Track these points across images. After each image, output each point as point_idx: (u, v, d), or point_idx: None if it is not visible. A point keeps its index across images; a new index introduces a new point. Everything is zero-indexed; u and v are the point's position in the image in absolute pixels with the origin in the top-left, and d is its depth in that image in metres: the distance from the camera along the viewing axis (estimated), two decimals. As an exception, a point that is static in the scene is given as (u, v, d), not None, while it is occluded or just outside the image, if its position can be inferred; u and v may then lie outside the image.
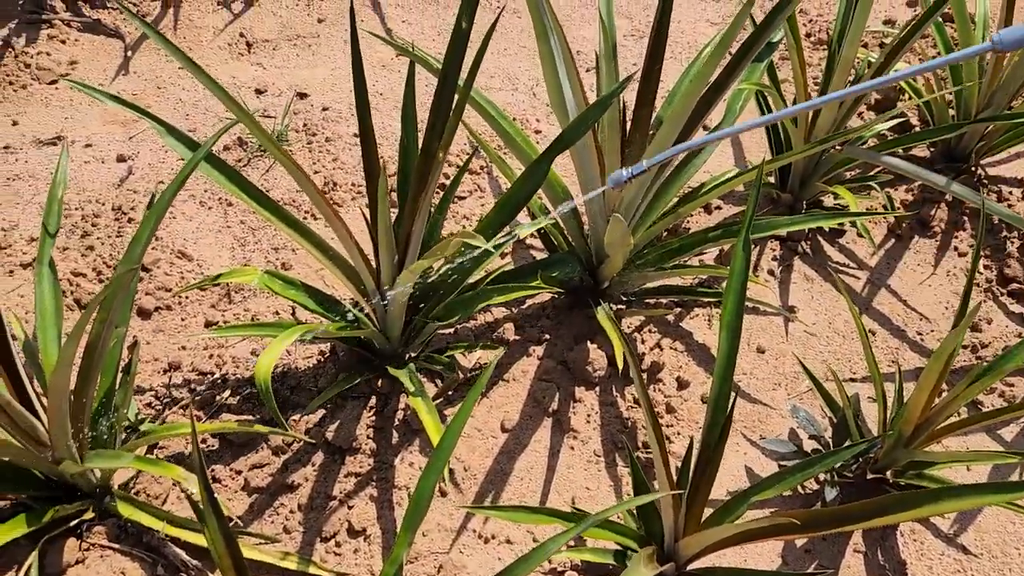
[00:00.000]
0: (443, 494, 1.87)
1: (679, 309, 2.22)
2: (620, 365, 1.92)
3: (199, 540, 1.72)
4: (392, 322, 1.89)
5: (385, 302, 1.78)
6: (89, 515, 1.75)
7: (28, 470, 1.72)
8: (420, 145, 1.72)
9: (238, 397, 2.00)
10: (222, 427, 1.77)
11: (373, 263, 1.79)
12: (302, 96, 2.74)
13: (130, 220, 2.33)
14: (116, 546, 1.73)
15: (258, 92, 2.73)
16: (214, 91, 1.48)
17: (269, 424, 1.84)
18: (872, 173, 2.47)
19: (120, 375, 1.81)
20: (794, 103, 2.48)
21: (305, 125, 2.63)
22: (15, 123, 2.56)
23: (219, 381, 2.01)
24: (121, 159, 2.50)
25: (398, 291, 1.74)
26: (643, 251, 2.10)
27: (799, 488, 1.92)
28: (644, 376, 2.08)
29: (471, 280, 1.95)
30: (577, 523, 1.36)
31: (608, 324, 1.91)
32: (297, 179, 1.58)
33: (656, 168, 1.70)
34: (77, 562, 1.70)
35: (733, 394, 1.55)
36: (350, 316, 1.85)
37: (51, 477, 1.71)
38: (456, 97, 1.61)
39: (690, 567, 1.65)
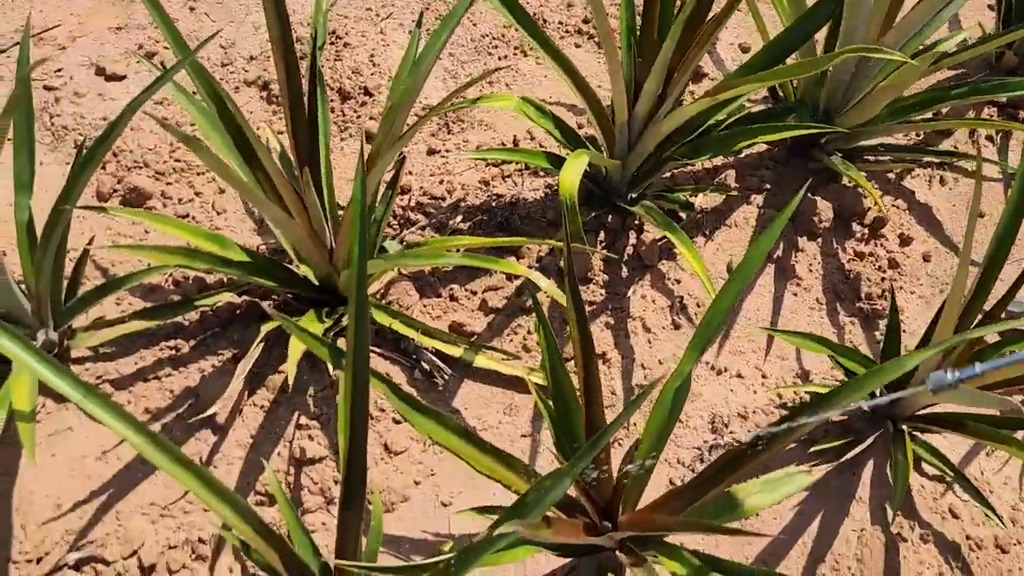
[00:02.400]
0: (676, 327, 1.94)
1: (900, 168, 2.20)
2: (877, 204, 1.92)
3: (449, 350, 1.82)
4: (634, 159, 1.91)
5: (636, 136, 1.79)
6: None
7: (288, 271, 1.82)
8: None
9: (469, 223, 2.05)
10: (509, 241, 1.80)
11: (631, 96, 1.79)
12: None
13: (345, 44, 2.34)
14: (378, 350, 1.84)
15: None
16: None
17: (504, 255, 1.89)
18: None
19: (385, 190, 1.87)
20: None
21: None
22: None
23: (451, 207, 2.07)
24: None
25: (663, 124, 1.74)
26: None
27: None
28: (867, 229, 2.09)
29: (713, 121, 1.94)
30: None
31: (847, 168, 1.90)
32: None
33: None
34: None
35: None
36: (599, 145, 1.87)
37: (322, 282, 1.80)
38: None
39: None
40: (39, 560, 1.55)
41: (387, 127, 1.64)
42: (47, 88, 2.22)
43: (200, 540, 1.60)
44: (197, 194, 2.05)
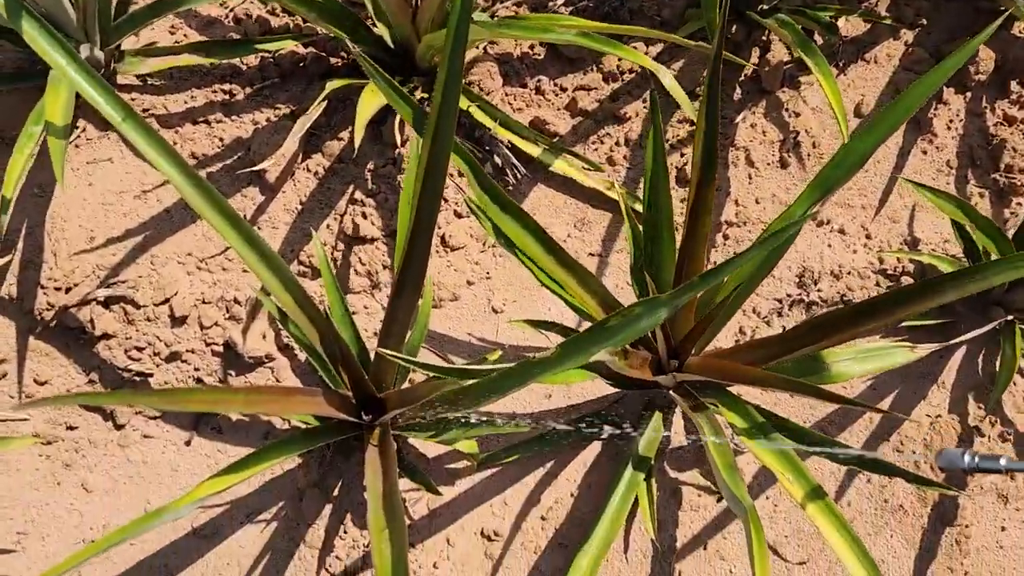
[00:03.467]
0: (783, 165, 1.71)
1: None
2: None
3: (527, 147, 1.63)
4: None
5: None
6: (422, 93, 1.65)
7: (364, 26, 1.60)
8: None
9: (572, 8, 1.79)
10: (628, 30, 1.53)
11: None
12: None
13: None
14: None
15: None
16: None
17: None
18: None
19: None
20: None
21: None
22: None
23: (553, -16, 1.79)
24: None
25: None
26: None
27: None
28: (1025, 92, 1.79)
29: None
30: None
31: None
32: None
33: None
34: (406, 138, 1.62)
35: None
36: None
37: (399, 44, 1.58)
38: None
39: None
40: (68, 290, 1.47)
41: None
42: None
43: (235, 300, 1.50)
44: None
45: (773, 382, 1.18)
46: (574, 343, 0.99)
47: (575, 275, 1.20)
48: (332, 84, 1.47)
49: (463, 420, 1.36)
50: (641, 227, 1.31)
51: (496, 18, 1.75)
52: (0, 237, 1.32)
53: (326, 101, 1.51)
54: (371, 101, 1.44)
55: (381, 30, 1.61)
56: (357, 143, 1.38)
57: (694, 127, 1.72)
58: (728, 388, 1.39)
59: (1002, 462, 0.95)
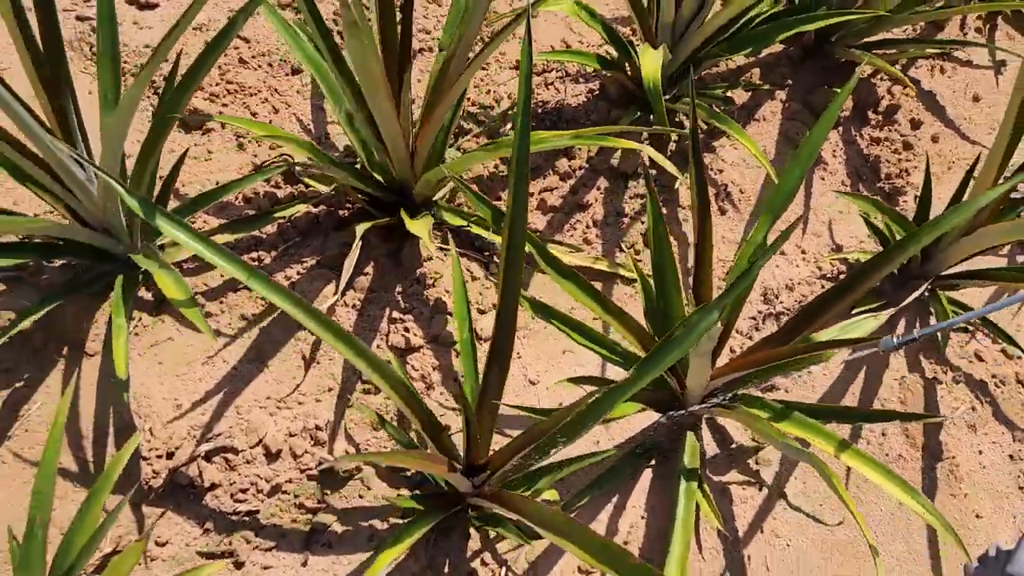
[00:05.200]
0: (723, 212, 2.09)
1: (905, 60, 2.38)
2: (893, 74, 2.09)
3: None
4: (677, 58, 2.03)
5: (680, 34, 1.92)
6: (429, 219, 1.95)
7: (370, 177, 1.91)
8: None
9: (518, 129, 2.15)
10: (576, 136, 1.90)
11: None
12: None
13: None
14: (455, 249, 1.95)
15: None
16: None
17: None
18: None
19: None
20: None
21: None
22: None
23: (500, 115, 2.17)
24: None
25: (706, 21, 1.87)
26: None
27: None
28: (880, 116, 2.27)
29: (746, 20, 2.07)
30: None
31: (864, 57, 2.07)
32: None
33: None
34: (426, 259, 1.91)
35: None
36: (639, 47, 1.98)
37: (400, 184, 1.89)
38: None
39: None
40: (170, 455, 1.64)
41: (456, 39, 1.72)
42: (79, 19, 2.22)
43: (316, 427, 1.71)
44: (253, 114, 2.10)
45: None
46: (649, 361, 1.27)
47: (620, 319, 1.50)
48: (362, 226, 1.75)
49: (545, 469, 1.60)
50: (650, 278, 1.63)
51: (462, 150, 2.09)
52: (127, 409, 1.49)
53: (352, 241, 1.78)
54: (418, 227, 1.72)
55: (377, 176, 1.92)
56: (424, 256, 1.65)
57: (644, 199, 2.09)
58: (742, 392, 1.70)
59: (915, 333, 1.41)
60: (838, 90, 2.24)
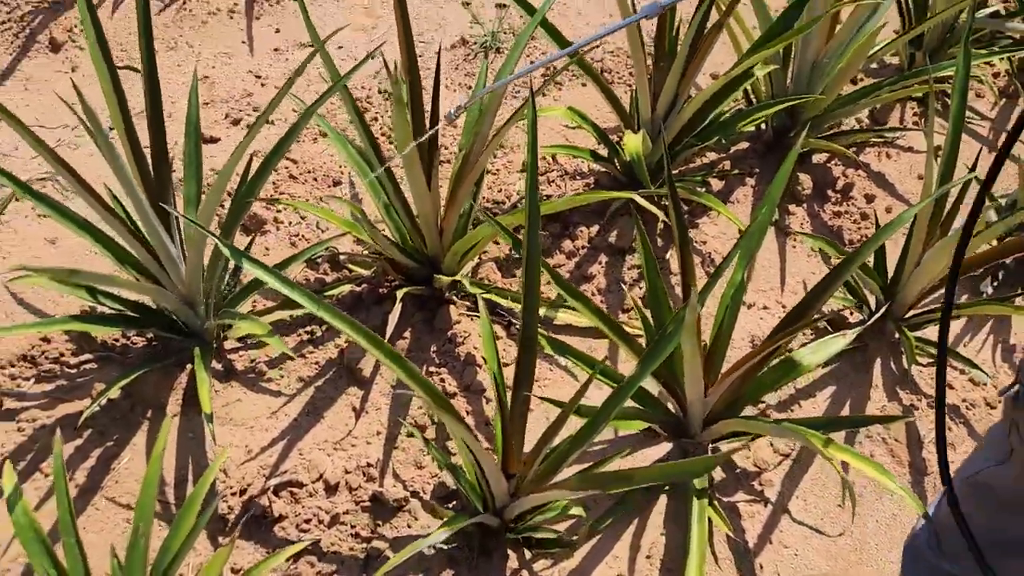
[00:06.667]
0: (708, 275, 2.41)
1: (853, 148, 2.77)
2: (845, 153, 2.47)
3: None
4: (658, 147, 2.43)
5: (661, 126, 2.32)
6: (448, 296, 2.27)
7: (406, 262, 2.24)
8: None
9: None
10: (574, 200, 2.26)
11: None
12: (500, 6, 3.25)
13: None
14: (478, 315, 2.25)
15: (464, 4, 3.24)
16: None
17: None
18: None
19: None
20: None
21: (510, 27, 3.15)
22: (278, 31, 3.05)
23: (511, 207, 2.54)
24: (370, 56, 3.00)
25: (684, 112, 2.27)
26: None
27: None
28: (839, 194, 2.64)
29: (714, 114, 2.49)
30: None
31: (822, 143, 2.47)
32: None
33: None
34: (455, 322, 2.21)
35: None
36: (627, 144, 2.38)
37: (424, 259, 2.22)
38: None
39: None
40: (243, 491, 1.88)
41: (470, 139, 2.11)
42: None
43: (368, 465, 1.94)
44: (302, 218, 2.47)
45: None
46: (649, 355, 1.55)
47: (631, 346, 1.79)
48: (402, 290, 2.07)
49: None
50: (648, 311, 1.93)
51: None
52: (204, 456, 1.75)
53: (395, 305, 2.09)
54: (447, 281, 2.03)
55: (410, 250, 2.25)
56: (454, 319, 1.95)
57: (640, 270, 2.41)
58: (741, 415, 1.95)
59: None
60: (800, 174, 2.64)
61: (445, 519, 1.75)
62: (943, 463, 1.09)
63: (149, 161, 1.88)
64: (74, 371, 2.09)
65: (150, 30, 1.81)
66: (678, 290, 2.38)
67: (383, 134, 2.73)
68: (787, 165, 1.96)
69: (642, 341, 2.03)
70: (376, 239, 2.03)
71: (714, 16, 2.22)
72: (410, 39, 1.94)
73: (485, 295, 2.21)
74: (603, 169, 2.57)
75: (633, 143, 2.09)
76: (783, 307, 2.38)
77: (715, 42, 2.22)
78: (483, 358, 2.16)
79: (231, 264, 2.19)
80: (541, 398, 1.97)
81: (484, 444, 1.97)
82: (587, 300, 1.90)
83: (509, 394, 1.68)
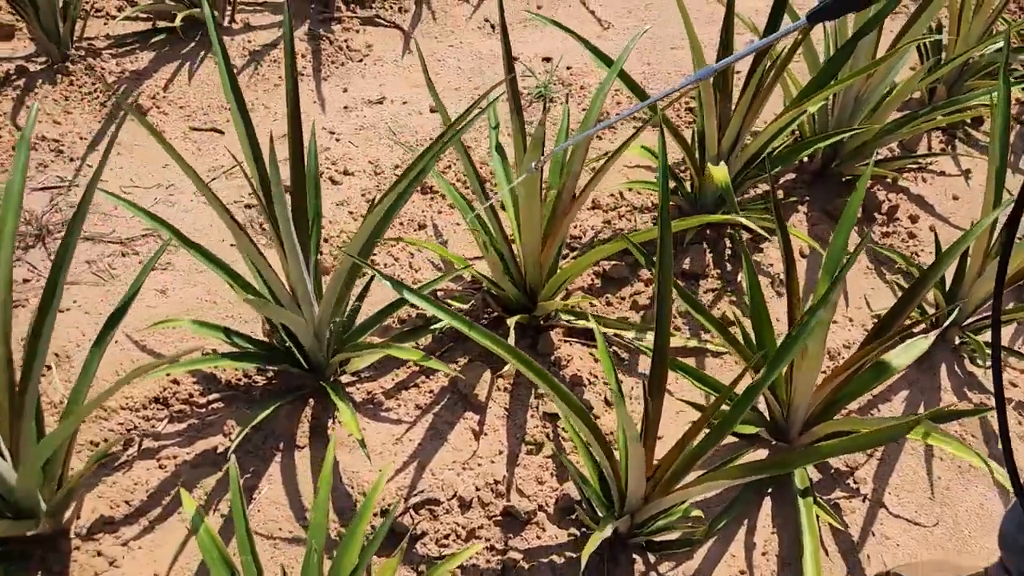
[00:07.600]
0: (779, 295, 2.59)
1: (895, 173, 3.00)
2: (891, 177, 2.68)
3: (626, 333, 2.42)
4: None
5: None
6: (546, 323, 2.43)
7: (512, 292, 2.40)
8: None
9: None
10: (680, 224, 2.44)
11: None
12: (546, 60, 3.49)
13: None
14: (580, 340, 2.41)
15: (513, 59, 3.47)
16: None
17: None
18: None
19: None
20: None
21: (559, 79, 3.38)
22: (345, 90, 3.25)
23: (587, 243, 2.71)
24: (432, 110, 3.21)
25: (751, 146, 2.48)
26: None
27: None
28: (885, 216, 2.85)
29: (770, 149, 2.70)
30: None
31: (878, 169, 2.69)
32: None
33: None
34: (556, 347, 2.37)
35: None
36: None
37: (525, 289, 2.38)
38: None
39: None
40: (383, 512, 1.99)
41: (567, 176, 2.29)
42: (247, 207, 2.80)
43: (495, 482, 2.07)
44: (395, 260, 2.63)
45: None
46: (776, 359, 1.72)
47: (726, 334, 1.95)
48: (513, 319, 2.22)
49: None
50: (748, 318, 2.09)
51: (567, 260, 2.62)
52: (342, 482, 1.87)
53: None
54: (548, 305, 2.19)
55: (517, 281, 2.41)
56: (556, 344, 2.11)
57: (714, 293, 2.59)
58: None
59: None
60: (848, 199, 2.85)
61: (586, 528, 1.88)
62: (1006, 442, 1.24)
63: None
64: (203, 410, 2.21)
65: (297, 98, 1.99)
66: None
67: (458, 180, 2.91)
68: (859, 192, 2.16)
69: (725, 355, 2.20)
70: (498, 278, 2.20)
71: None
72: (516, 94, 2.14)
73: (602, 328, 2.37)
74: (671, 202, 2.76)
75: (720, 174, 2.30)
76: (850, 320, 2.56)
77: (774, 88, 2.45)
78: (588, 379, 2.31)
79: (349, 304, 2.34)
80: (683, 400, 2.13)
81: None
82: (719, 323, 2.08)
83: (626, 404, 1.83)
